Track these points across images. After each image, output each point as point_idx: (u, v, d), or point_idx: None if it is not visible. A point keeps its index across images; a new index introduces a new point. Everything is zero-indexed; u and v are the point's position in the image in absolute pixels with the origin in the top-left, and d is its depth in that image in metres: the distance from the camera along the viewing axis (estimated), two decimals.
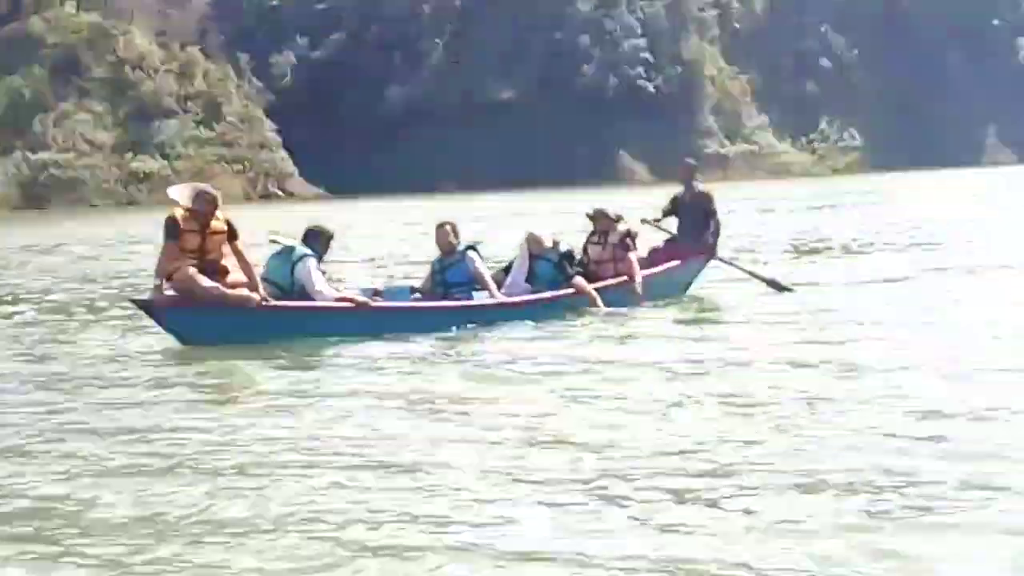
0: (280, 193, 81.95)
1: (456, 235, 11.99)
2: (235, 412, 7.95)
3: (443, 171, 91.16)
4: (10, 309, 15.46)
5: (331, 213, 47.87)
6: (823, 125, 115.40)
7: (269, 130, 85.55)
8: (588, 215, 13.59)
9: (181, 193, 10.65)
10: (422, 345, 10.41)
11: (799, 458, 6.19)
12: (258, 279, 10.65)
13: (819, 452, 6.29)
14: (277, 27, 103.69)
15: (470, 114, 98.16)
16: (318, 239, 11.20)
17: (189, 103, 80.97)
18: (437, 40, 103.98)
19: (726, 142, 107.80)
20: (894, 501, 5.46)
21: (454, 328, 11.04)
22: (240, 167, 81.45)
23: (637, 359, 9.42)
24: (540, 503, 5.54)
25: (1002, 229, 23.45)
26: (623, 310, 12.14)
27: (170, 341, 10.67)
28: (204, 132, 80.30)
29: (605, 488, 5.76)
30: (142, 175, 75.03)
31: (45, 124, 74.25)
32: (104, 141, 76.04)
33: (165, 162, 76.92)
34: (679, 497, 5.61)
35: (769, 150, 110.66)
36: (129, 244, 28.89)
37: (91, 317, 14.14)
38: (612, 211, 13.58)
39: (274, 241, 11.33)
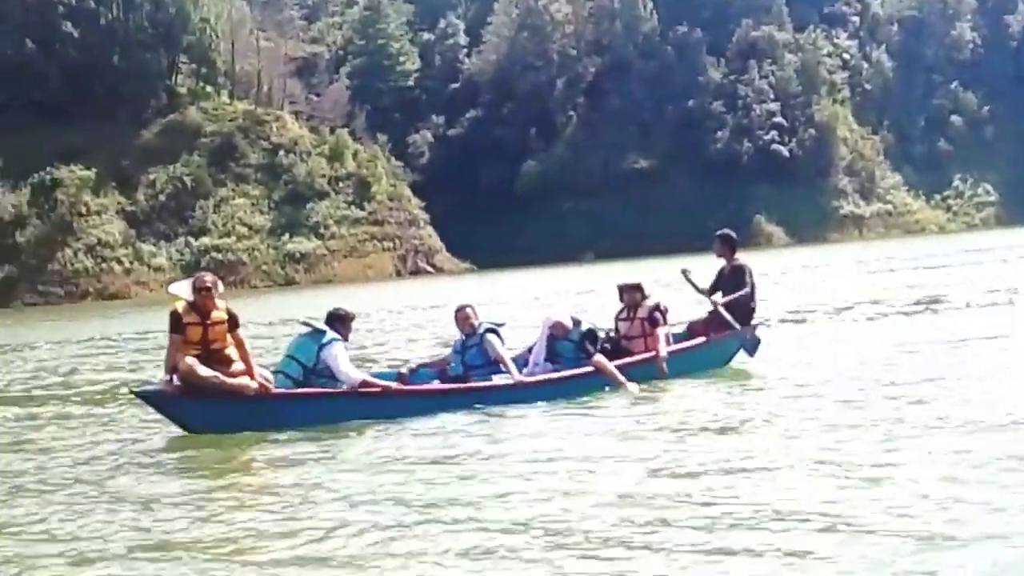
0: (430, 269, 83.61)
1: (476, 316, 12.00)
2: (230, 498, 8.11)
3: (582, 242, 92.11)
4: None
5: (472, 287, 48.53)
6: (956, 182, 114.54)
7: (416, 207, 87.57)
8: (619, 288, 13.12)
9: (182, 288, 10.89)
10: (433, 426, 10.38)
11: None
12: (255, 367, 10.79)
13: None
14: (414, 107, 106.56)
15: (606, 184, 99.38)
16: (342, 323, 11.39)
17: (340, 184, 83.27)
18: (571, 113, 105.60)
19: (861, 202, 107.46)
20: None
21: (467, 410, 10.87)
22: (391, 244, 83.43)
23: (646, 433, 9.40)
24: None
25: None
26: (647, 384, 11.77)
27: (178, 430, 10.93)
28: (355, 211, 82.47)
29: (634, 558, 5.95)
30: (298, 256, 77.27)
31: (205, 210, 77.10)
32: (261, 224, 78.68)
33: (319, 242, 79.21)
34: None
35: (903, 209, 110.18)
36: (286, 325, 26.82)
37: None
38: (643, 285, 13.02)
39: (306, 323, 11.42)
